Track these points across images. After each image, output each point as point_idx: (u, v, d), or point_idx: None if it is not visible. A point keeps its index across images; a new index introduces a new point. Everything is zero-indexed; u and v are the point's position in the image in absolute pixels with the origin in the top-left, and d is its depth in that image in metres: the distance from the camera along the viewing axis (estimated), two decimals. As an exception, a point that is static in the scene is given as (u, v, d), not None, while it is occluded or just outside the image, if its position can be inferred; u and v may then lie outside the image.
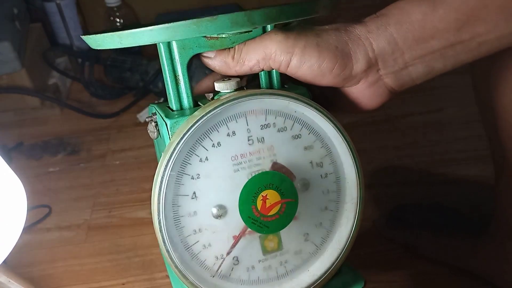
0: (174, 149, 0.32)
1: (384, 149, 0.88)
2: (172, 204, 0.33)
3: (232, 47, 0.36)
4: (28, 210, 0.51)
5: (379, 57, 0.35)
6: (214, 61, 0.36)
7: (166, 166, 0.32)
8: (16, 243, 0.50)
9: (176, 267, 0.34)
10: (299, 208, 0.36)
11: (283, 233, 0.36)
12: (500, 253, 0.63)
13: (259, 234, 0.35)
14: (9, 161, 0.79)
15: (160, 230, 0.33)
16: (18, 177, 0.51)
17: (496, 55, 0.36)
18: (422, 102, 0.95)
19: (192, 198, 0.34)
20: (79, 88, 1.12)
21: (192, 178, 0.33)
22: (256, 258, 0.36)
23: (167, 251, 0.33)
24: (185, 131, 0.32)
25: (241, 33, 0.36)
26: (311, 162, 0.36)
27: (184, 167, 0.33)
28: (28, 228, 0.78)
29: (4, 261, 0.49)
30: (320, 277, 0.37)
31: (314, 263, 0.37)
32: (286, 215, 0.34)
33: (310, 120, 0.36)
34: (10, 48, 0.95)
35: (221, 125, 0.34)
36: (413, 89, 0.43)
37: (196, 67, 0.90)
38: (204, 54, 0.37)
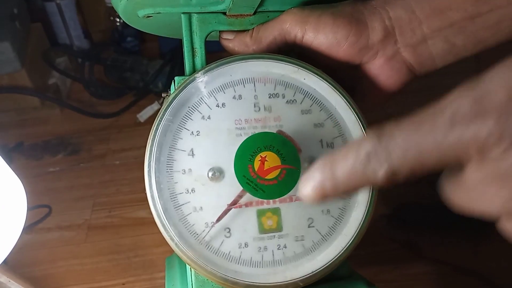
0: (175, 97, 0.33)
1: (384, 148, 0.88)
2: (168, 156, 0.33)
3: (250, 29, 0.36)
4: (28, 210, 0.51)
5: (396, 25, 0.34)
6: (234, 42, 0.36)
7: (165, 111, 0.33)
8: (16, 243, 0.50)
9: (162, 222, 0.32)
10: None
11: (284, 212, 0.33)
12: (500, 252, 0.63)
13: (256, 208, 0.33)
14: (9, 161, 0.79)
15: (149, 174, 0.33)
16: (18, 177, 0.50)
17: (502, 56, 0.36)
18: (422, 102, 0.94)
19: (189, 155, 0.33)
20: (79, 88, 1.12)
21: (192, 134, 0.33)
22: (251, 234, 0.33)
23: (154, 200, 0.32)
24: (185, 83, 0.33)
25: (258, 12, 0.36)
26: (320, 141, 0.34)
27: (185, 122, 0.33)
28: (28, 228, 0.78)
29: (4, 261, 0.49)
30: (319, 269, 0.33)
31: (317, 254, 0.33)
32: (285, 183, 0.31)
33: (321, 97, 0.34)
34: (10, 48, 0.95)
35: (227, 87, 0.34)
36: (413, 89, 0.43)
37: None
38: (224, 36, 0.37)
